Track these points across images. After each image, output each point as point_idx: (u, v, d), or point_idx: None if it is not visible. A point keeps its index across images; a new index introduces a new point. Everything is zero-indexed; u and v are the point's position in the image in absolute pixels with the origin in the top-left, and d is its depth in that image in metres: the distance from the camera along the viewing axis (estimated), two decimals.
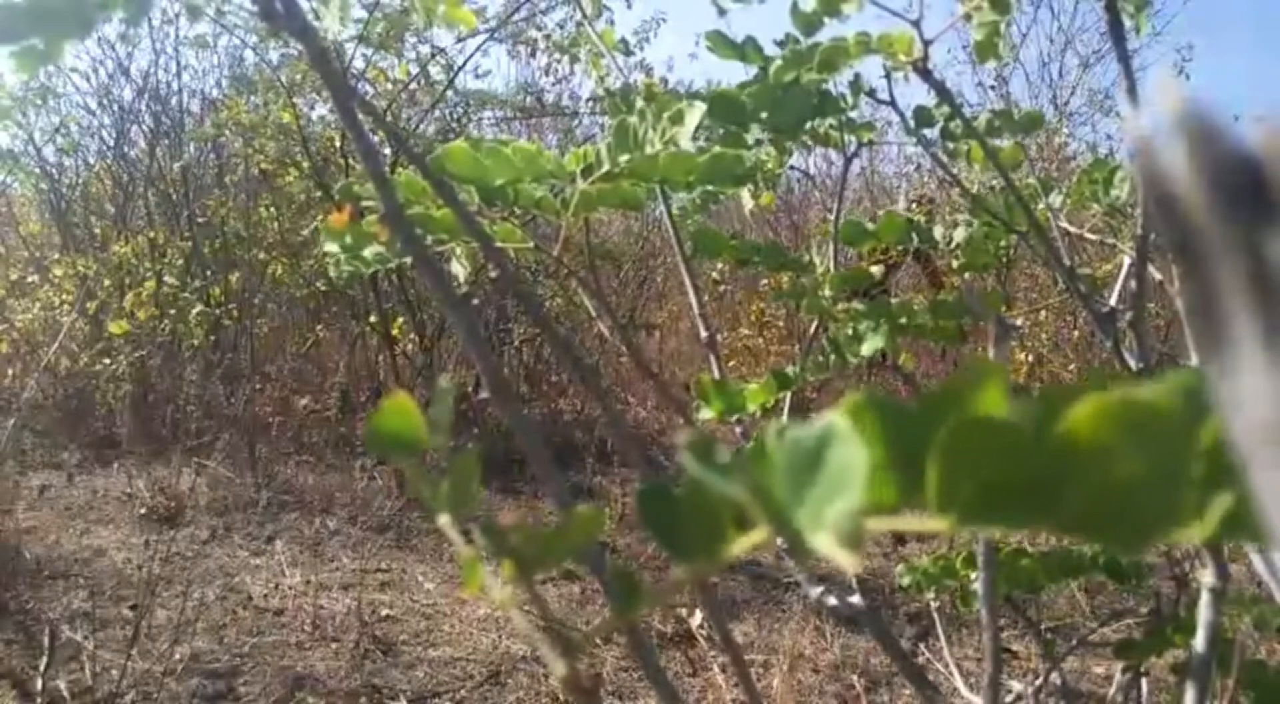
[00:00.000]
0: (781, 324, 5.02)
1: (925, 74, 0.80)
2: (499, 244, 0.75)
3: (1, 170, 4.52)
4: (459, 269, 0.73)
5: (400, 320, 4.51)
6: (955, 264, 1.07)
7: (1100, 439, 0.16)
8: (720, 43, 0.84)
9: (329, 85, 0.37)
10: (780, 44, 0.80)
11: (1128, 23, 0.76)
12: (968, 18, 0.80)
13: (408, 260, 0.65)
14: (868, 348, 0.89)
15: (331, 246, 0.71)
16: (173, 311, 4.36)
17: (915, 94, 0.93)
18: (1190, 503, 0.16)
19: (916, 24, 0.78)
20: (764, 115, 0.80)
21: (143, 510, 3.17)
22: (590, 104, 5.24)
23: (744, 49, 0.83)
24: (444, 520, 0.23)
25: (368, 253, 0.71)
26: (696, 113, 0.67)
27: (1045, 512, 0.17)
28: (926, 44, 0.79)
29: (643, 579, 0.22)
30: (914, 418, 0.17)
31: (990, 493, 0.17)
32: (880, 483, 0.18)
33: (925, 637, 2.40)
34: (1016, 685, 1.12)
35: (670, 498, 0.20)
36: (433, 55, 4.42)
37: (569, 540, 0.22)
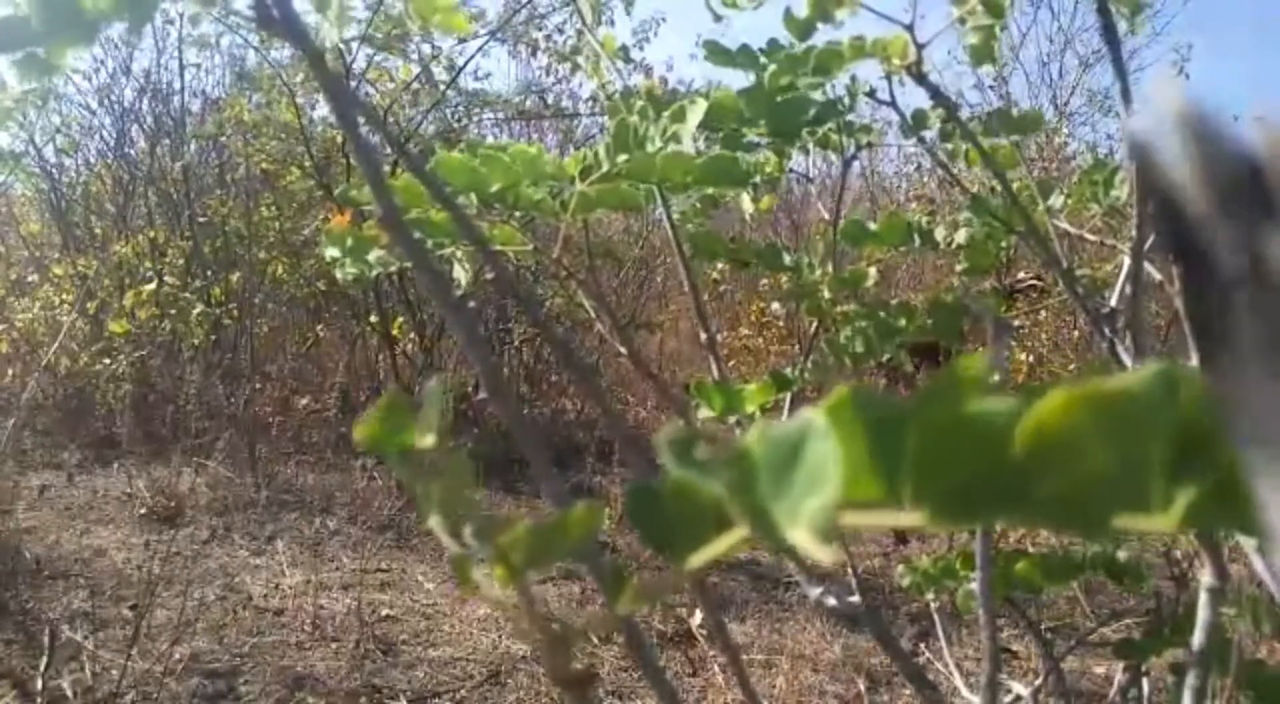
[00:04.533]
0: (781, 324, 5.02)
1: (920, 78, 0.80)
2: (498, 247, 0.75)
3: (2, 171, 4.51)
4: (460, 274, 0.73)
5: (400, 320, 4.51)
6: (958, 265, 1.07)
7: (1068, 430, 0.16)
8: (716, 51, 0.84)
9: (326, 89, 0.37)
10: (764, 52, 0.80)
11: (1122, 26, 0.76)
12: (962, 21, 0.80)
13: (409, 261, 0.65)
14: (863, 345, 0.89)
15: (333, 250, 0.71)
16: (173, 311, 4.36)
17: (917, 94, 0.93)
18: (1158, 492, 0.16)
19: (909, 28, 0.78)
20: (762, 122, 0.80)
21: (143, 510, 3.17)
22: (590, 104, 5.24)
23: (737, 57, 0.83)
24: (435, 522, 0.23)
25: (372, 256, 0.71)
26: (699, 110, 0.67)
27: (1017, 503, 0.17)
28: (920, 48, 0.79)
29: (635, 576, 0.22)
30: (893, 414, 0.18)
31: (963, 487, 0.17)
32: (860, 478, 0.18)
33: (926, 637, 2.40)
34: (1016, 685, 1.12)
35: (657, 496, 0.20)
36: (434, 57, 4.43)
37: (565, 540, 0.22)
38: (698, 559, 0.20)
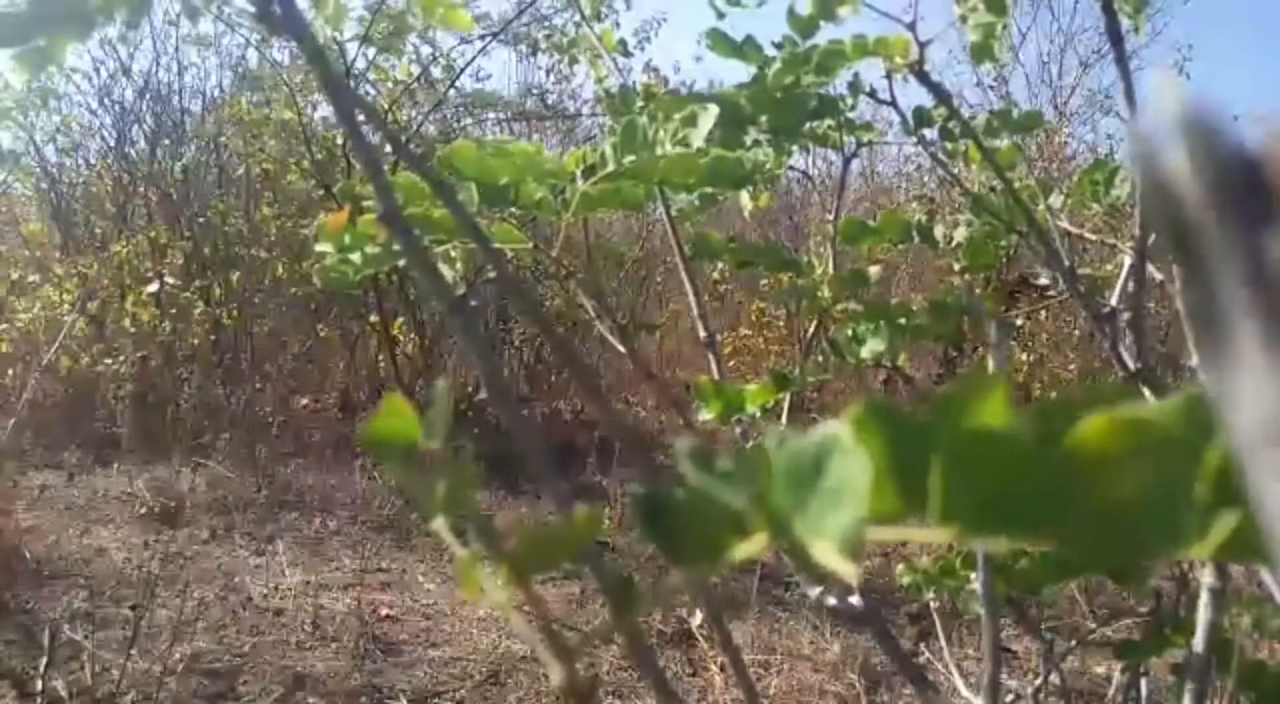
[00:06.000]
0: (781, 324, 5.02)
1: (922, 76, 0.80)
2: (498, 245, 0.74)
3: (2, 171, 4.51)
4: (448, 272, 0.73)
5: (400, 320, 4.51)
6: (956, 264, 1.07)
7: (1106, 456, 0.16)
8: (720, 42, 0.84)
9: (327, 86, 0.37)
10: (778, 46, 0.80)
11: (1125, 23, 0.76)
12: (964, 20, 0.80)
13: (401, 262, 0.65)
14: (867, 350, 0.89)
15: (324, 247, 0.71)
16: (173, 311, 4.36)
17: (917, 93, 0.93)
18: (1194, 522, 0.16)
19: (911, 27, 0.78)
20: (763, 118, 0.80)
21: (143, 510, 3.17)
22: (591, 106, 5.25)
23: (743, 49, 0.83)
24: (439, 524, 0.23)
25: (356, 255, 0.70)
26: (710, 116, 0.67)
27: (1048, 526, 0.17)
28: (922, 46, 0.79)
29: (639, 583, 0.22)
30: (917, 427, 0.17)
31: (993, 505, 0.17)
32: (886, 494, 0.17)
33: (925, 637, 2.40)
34: (1016, 685, 1.12)
35: (668, 503, 0.20)
36: (434, 58, 4.43)
37: (566, 543, 0.22)
38: (712, 567, 0.20)
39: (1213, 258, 0.14)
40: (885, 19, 0.81)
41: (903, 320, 0.93)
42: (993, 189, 1.25)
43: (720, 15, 0.85)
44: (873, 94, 0.91)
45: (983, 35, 0.82)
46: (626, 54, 1.17)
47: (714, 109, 0.67)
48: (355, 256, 0.70)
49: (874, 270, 0.97)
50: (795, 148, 0.97)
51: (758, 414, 0.90)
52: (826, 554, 0.17)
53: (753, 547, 0.19)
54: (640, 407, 4.69)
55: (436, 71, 4.57)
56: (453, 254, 0.74)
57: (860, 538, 0.17)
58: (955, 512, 0.17)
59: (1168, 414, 0.16)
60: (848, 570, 0.16)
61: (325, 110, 4.62)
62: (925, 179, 6.16)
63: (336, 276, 0.70)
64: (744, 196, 1.12)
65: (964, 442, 0.17)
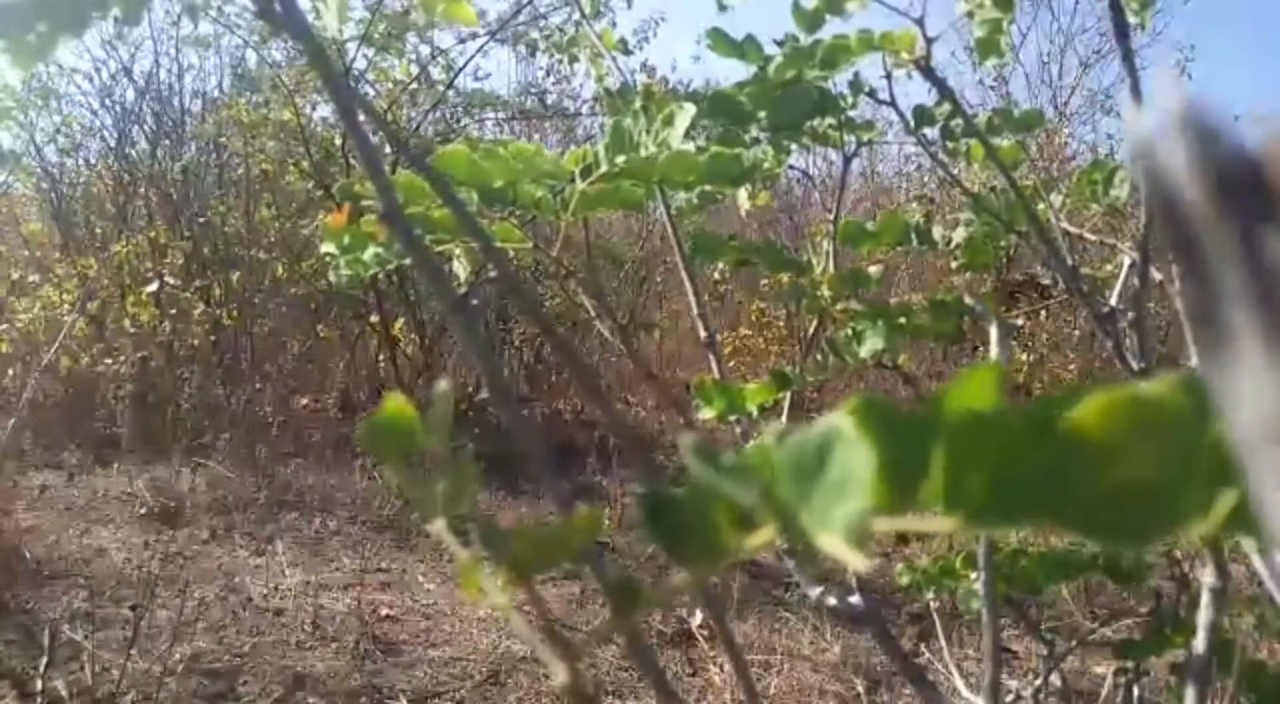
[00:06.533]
0: (781, 324, 5.02)
1: (927, 72, 0.80)
2: (498, 244, 0.74)
3: (2, 171, 4.51)
4: (459, 269, 0.73)
5: (400, 321, 4.51)
6: (955, 264, 1.07)
7: (1108, 436, 0.16)
8: (720, 40, 0.84)
9: (328, 85, 0.37)
10: (780, 43, 0.80)
11: (1132, 20, 0.76)
12: (969, 15, 0.80)
13: (408, 260, 0.65)
14: (867, 350, 0.89)
15: (329, 247, 0.71)
16: (174, 311, 4.36)
17: (914, 95, 0.93)
18: (1196, 500, 0.16)
19: (920, 22, 0.78)
20: (763, 114, 0.80)
21: (143, 510, 3.17)
22: (591, 105, 5.25)
23: (743, 47, 0.83)
24: (439, 524, 0.23)
25: (367, 254, 0.70)
26: (687, 115, 0.67)
27: (1053, 509, 0.17)
28: (929, 42, 0.79)
29: (642, 584, 0.22)
30: (915, 418, 0.17)
31: (998, 492, 0.17)
32: (890, 484, 0.17)
33: (926, 637, 2.40)
34: (1016, 685, 1.12)
35: (672, 502, 0.20)
36: (433, 57, 4.43)
37: (568, 543, 0.22)
38: (716, 564, 0.20)
39: (1213, 257, 0.14)
40: (882, 17, 0.82)
41: (903, 320, 0.93)
42: (992, 189, 1.25)
43: (722, 8, 0.86)
44: (872, 94, 0.91)
45: (989, 31, 0.82)
46: (626, 52, 1.17)
47: (690, 109, 0.67)
48: (367, 254, 0.70)
49: (874, 270, 0.97)
50: (795, 147, 0.97)
51: (757, 414, 0.90)
52: (834, 546, 0.17)
53: (760, 541, 0.19)
54: (640, 407, 4.69)
55: (436, 71, 4.58)
56: (457, 253, 0.74)
57: (867, 528, 0.17)
58: (959, 500, 0.17)
59: (1167, 393, 0.16)
60: (857, 561, 0.16)
61: (323, 111, 4.63)
62: (925, 179, 6.16)
63: (350, 273, 0.71)
64: (742, 195, 1.12)
65: (966, 429, 0.17)
